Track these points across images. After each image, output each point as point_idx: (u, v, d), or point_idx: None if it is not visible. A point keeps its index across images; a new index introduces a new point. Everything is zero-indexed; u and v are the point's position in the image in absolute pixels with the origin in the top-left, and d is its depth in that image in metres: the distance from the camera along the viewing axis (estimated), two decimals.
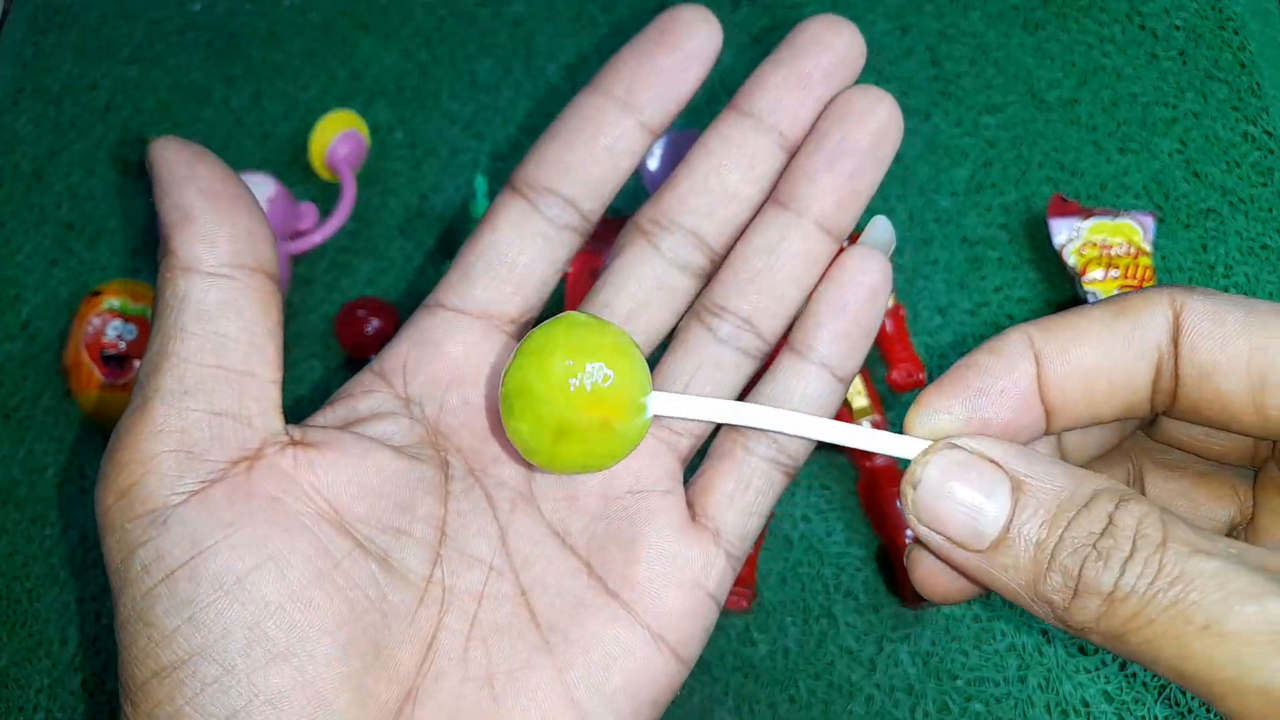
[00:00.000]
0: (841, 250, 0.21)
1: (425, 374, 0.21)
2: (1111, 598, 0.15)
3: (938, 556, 0.18)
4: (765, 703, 0.42)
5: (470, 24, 0.60)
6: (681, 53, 0.20)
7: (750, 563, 0.43)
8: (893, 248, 0.20)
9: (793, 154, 0.21)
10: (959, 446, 0.17)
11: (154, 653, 0.17)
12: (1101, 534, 0.16)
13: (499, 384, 0.19)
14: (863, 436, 0.18)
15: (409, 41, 0.60)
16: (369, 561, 0.19)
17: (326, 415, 0.21)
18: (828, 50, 0.20)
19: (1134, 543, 0.15)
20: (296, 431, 0.19)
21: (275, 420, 0.19)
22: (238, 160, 0.57)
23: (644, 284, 0.21)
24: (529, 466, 0.21)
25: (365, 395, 0.21)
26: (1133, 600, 0.15)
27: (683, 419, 0.20)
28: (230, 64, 0.60)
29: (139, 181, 0.57)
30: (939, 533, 0.17)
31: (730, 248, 0.22)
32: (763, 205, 0.21)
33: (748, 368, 0.22)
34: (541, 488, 0.21)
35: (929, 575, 0.19)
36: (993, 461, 0.17)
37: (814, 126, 0.21)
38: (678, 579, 0.20)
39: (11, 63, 0.62)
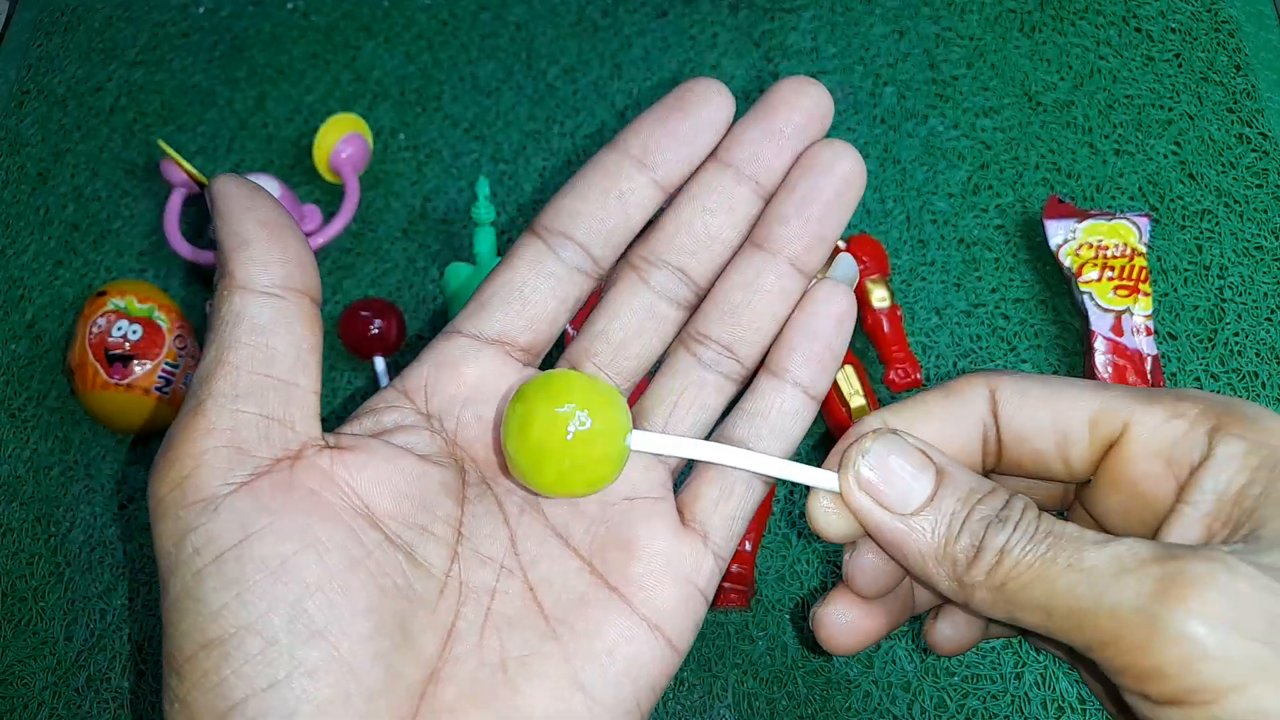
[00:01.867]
0: (812, 283, 0.24)
1: (444, 393, 0.23)
2: (1002, 552, 0.19)
3: (862, 522, 0.21)
4: (764, 699, 0.42)
5: (472, 28, 0.60)
6: (695, 119, 0.23)
7: (749, 561, 0.44)
8: (855, 281, 0.23)
9: (768, 200, 0.24)
10: (899, 434, 0.21)
11: (202, 627, 0.19)
12: (1001, 509, 0.20)
13: (502, 427, 0.22)
14: (807, 474, 0.22)
15: (411, 45, 0.60)
16: (396, 553, 0.21)
17: (354, 426, 0.23)
18: (797, 109, 0.23)
19: (1023, 514, 0.20)
20: (331, 437, 0.21)
21: (314, 426, 0.21)
22: (242, 162, 0.57)
23: (636, 314, 0.24)
24: (530, 492, 0.23)
25: (389, 410, 0.23)
26: (1015, 553, 0.19)
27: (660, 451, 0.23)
28: (234, 67, 0.61)
29: (144, 183, 0.57)
30: (871, 495, 0.21)
31: (712, 282, 0.24)
32: (741, 246, 0.24)
33: (729, 389, 0.24)
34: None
35: (833, 632, 0.23)
36: (922, 451, 0.21)
37: (786, 176, 0.24)
38: (671, 575, 0.22)
39: (16, 65, 0.63)
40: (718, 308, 0.24)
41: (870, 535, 0.21)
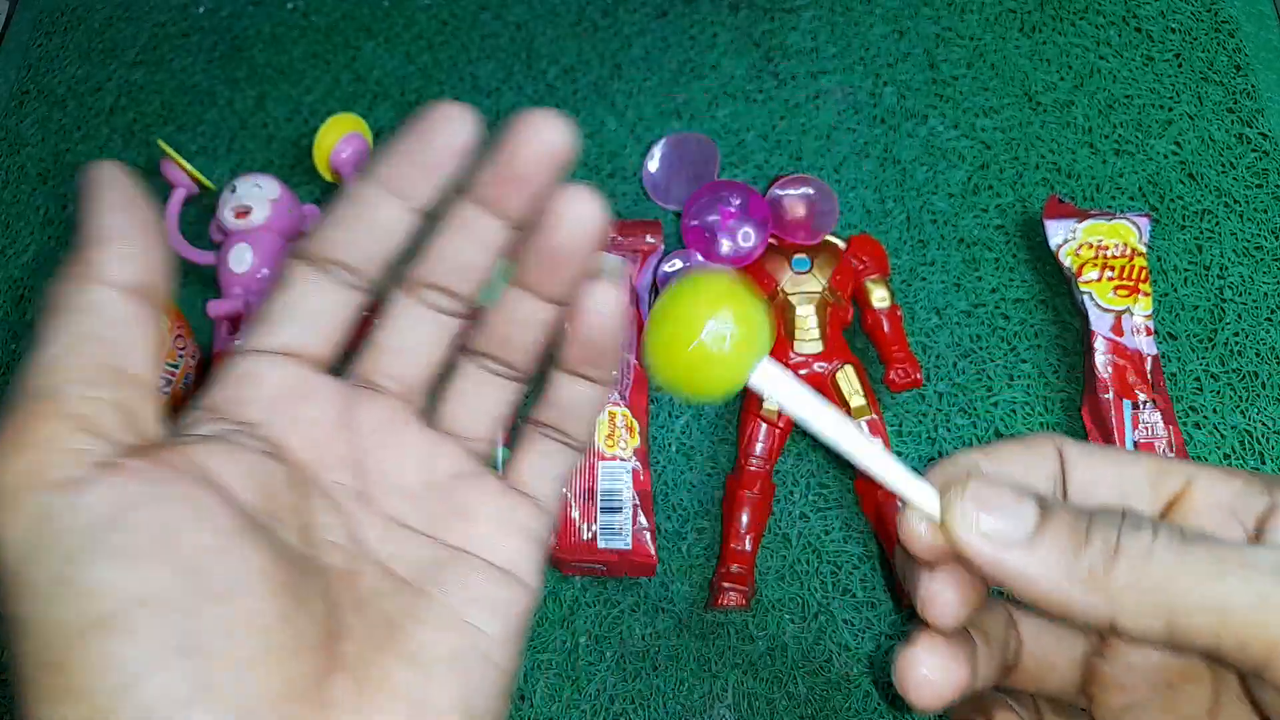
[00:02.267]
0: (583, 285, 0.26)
1: (252, 401, 0.24)
2: (1150, 552, 0.19)
3: (978, 563, 0.21)
4: (764, 699, 0.42)
5: (472, 28, 0.60)
6: (437, 146, 0.24)
7: (749, 561, 0.44)
8: (622, 273, 0.25)
9: (521, 229, 0.26)
10: (987, 475, 0.22)
11: (85, 608, 0.18)
12: (1123, 517, 0.20)
13: (648, 314, 0.23)
14: (911, 487, 0.22)
15: (411, 45, 0.60)
16: (265, 534, 0.21)
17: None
18: (530, 144, 0.24)
19: (1154, 518, 0.20)
20: (173, 438, 0.22)
21: (160, 427, 0.21)
22: (242, 162, 0.57)
23: (415, 327, 0.26)
24: (658, 389, 0.25)
25: (201, 424, 0.23)
26: (1170, 550, 0.19)
27: (774, 395, 0.24)
28: (234, 67, 0.61)
29: (145, 184, 0.57)
30: (983, 535, 0.21)
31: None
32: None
33: (512, 390, 0.27)
34: (374, 486, 0.24)
35: (924, 681, 0.22)
36: (1014, 488, 0.21)
37: (536, 214, 0.25)
38: (510, 528, 0.25)
39: (17, 66, 0.63)
40: (486, 334, 0.26)
41: (990, 577, 0.21)
